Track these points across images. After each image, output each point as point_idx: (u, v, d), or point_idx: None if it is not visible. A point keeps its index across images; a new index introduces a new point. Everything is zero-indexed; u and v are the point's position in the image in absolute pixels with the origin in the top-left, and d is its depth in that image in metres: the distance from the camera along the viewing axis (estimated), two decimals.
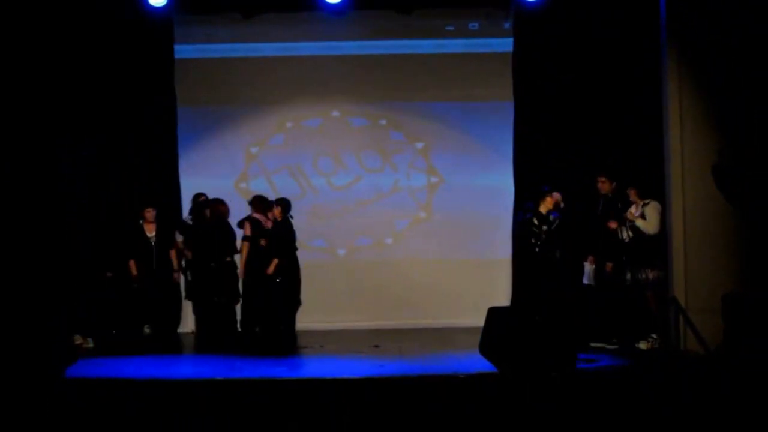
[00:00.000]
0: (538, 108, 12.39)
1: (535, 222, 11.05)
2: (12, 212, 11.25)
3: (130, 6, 11.53)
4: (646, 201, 10.47)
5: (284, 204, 11.51)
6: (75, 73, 11.98)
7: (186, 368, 9.83)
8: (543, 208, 11.05)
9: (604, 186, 10.88)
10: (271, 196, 11.87)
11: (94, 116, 12.11)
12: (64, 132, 11.92)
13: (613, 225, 10.56)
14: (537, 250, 11.00)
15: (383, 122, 12.88)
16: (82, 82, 12.03)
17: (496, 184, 12.58)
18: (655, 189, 10.49)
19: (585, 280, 10.89)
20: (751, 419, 8.23)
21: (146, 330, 11.52)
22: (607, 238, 10.67)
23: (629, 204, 10.60)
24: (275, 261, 11.28)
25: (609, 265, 10.61)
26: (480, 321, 9.38)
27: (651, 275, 10.36)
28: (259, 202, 11.61)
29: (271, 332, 11.39)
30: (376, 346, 10.75)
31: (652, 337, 10.29)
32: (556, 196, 11.15)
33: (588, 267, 10.90)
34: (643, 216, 10.41)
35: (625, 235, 10.52)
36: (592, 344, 10.33)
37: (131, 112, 12.26)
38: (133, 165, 12.27)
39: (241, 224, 11.61)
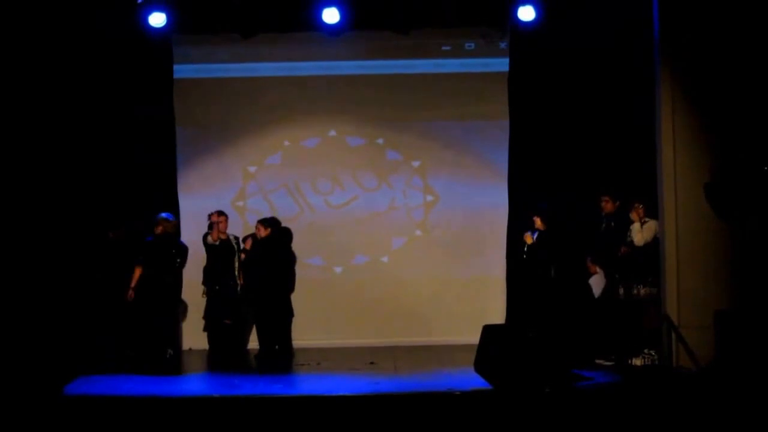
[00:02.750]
0: (533, 127, 12.51)
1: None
2: (16, 229, 11.38)
3: (130, 26, 11.60)
4: (646, 219, 10.59)
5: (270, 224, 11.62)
6: (76, 92, 12.09)
7: (183, 386, 9.88)
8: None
9: (608, 205, 10.97)
10: (269, 215, 12.01)
11: (95, 134, 12.21)
12: (64, 149, 12.01)
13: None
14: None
15: (380, 141, 12.89)
16: (82, 101, 12.14)
17: (492, 202, 12.62)
18: (652, 206, 10.55)
19: (596, 293, 11.02)
20: None
21: (170, 352, 11.06)
22: (612, 256, 10.78)
23: (629, 222, 10.72)
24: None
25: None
26: (475, 338, 9.47)
27: (643, 291, 10.46)
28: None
29: (266, 349, 11.44)
30: (372, 363, 10.80)
31: (650, 354, 10.34)
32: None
33: (596, 279, 11.04)
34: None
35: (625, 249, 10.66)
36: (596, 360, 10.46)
37: (131, 130, 12.34)
38: (132, 183, 12.31)
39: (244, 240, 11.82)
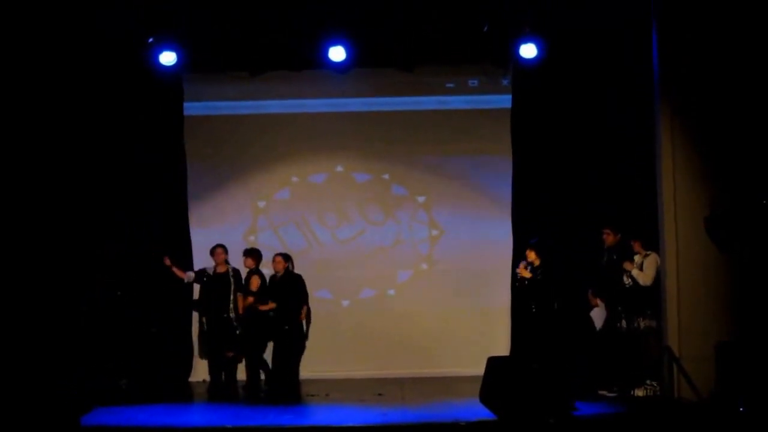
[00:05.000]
0: (536, 161, 12.61)
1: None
2: (32, 264, 11.56)
3: (142, 65, 11.78)
4: (647, 253, 10.68)
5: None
6: (88, 131, 12.25)
7: (196, 416, 9.99)
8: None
9: (609, 238, 11.03)
10: (279, 249, 12.22)
11: (107, 172, 12.36)
12: (78, 188, 12.19)
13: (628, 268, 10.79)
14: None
15: (386, 177, 13.03)
16: (95, 139, 12.29)
17: (496, 236, 12.72)
18: (654, 240, 10.62)
19: (598, 325, 11.14)
20: None
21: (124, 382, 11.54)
22: (613, 288, 10.88)
23: (632, 254, 10.80)
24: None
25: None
26: (480, 370, 9.52)
27: (643, 324, 10.58)
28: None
29: (274, 380, 11.60)
30: (380, 395, 10.88)
31: (652, 385, 10.43)
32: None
33: (598, 312, 11.16)
34: (640, 267, 10.67)
35: (627, 281, 10.74)
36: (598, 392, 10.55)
37: (143, 167, 12.50)
38: (145, 218, 12.47)
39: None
